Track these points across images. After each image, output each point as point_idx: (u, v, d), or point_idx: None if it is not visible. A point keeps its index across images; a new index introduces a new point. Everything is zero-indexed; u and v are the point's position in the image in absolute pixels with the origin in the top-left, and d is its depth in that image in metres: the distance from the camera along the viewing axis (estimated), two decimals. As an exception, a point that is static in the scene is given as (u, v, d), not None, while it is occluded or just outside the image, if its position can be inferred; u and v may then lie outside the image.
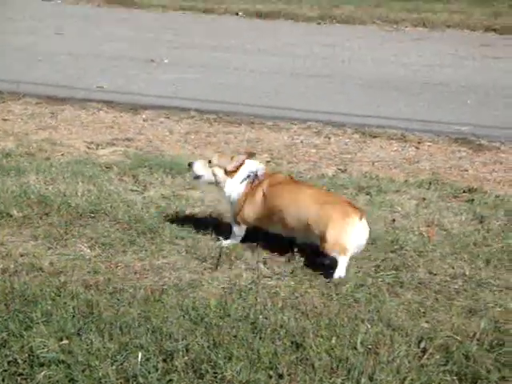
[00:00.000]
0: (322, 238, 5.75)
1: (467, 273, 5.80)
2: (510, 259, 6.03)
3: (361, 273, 5.79)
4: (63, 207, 7.01)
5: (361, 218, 5.75)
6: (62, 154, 9.08)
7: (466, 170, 8.75)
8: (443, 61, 15.02)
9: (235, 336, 4.72)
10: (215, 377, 4.29)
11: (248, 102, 11.86)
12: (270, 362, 4.45)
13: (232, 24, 20.13)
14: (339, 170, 8.71)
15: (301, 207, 5.94)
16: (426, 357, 4.55)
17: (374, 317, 5.06)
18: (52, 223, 6.71)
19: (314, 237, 5.87)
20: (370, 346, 4.65)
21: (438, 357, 4.55)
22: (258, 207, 6.21)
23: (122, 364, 4.40)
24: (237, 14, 21.07)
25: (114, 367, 4.36)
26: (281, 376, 4.32)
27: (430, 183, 8.05)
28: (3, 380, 4.33)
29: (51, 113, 11.26)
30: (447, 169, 8.80)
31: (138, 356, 4.43)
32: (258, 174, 6.30)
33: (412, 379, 4.30)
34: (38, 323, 4.82)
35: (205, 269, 5.94)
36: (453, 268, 5.91)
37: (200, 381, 4.26)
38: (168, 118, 11.09)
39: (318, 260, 5.91)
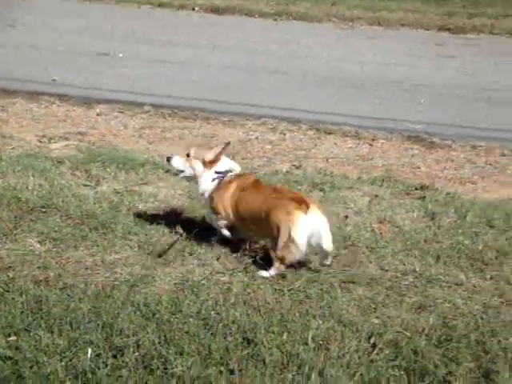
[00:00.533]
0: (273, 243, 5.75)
1: (418, 269, 5.86)
2: (460, 256, 6.11)
3: (313, 269, 5.81)
4: (13, 201, 6.92)
5: (306, 212, 5.65)
6: (13, 148, 8.94)
7: (419, 168, 8.84)
8: (398, 59, 15.14)
9: (186, 332, 4.71)
10: (165, 372, 4.28)
11: (203, 97, 11.82)
12: (221, 358, 4.45)
13: (188, 19, 20.03)
14: (293, 166, 8.74)
15: (255, 212, 5.89)
16: (375, 352, 4.59)
17: (325, 313, 5.10)
18: (1, 217, 6.61)
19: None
20: (320, 342, 4.68)
21: (387, 352, 4.59)
22: (226, 207, 6.14)
23: (71, 360, 4.36)
24: (193, 9, 20.93)
25: (62, 363, 4.32)
26: (232, 371, 4.32)
27: (383, 180, 8.12)
28: (-51, 377, 4.26)
29: (1, 106, 11.07)
30: (400, 166, 8.88)
31: (87, 352, 4.39)
32: (229, 174, 6.23)
33: (362, 374, 4.34)
34: (-15, 319, 4.75)
35: (157, 264, 5.91)
36: (404, 264, 5.97)
37: (150, 376, 4.24)
38: (122, 112, 11.00)
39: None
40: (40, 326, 4.72)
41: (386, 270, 5.87)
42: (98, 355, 4.41)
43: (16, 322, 4.73)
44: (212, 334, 4.71)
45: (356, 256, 6.04)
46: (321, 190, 7.74)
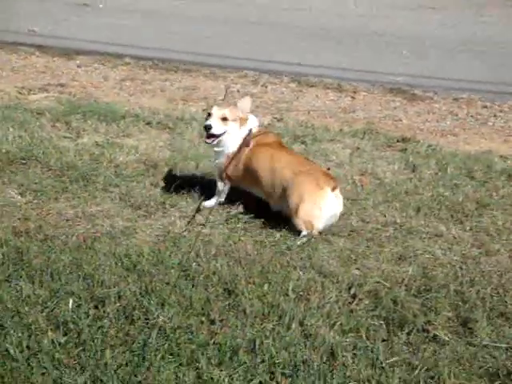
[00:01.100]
0: (293, 211, 5.61)
1: (398, 221, 5.89)
2: (440, 208, 6.14)
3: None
4: (-7, 153, 6.87)
5: (333, 190, 5.60)
6: (-8, 99, 8.86)
7: (400, 120, 8.84)
8: (379, 11, 15.04)
9: (168, 283, 4.72)
10: (147, 323, 4.30)
11: (185, 49, 11.71)
12: (202, 309, 4.47)
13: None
14: (275, 118, 8.70)
15: (276, 174, 5.78)
16: (355, 302, 4.63)
17: (306, 264, 5.11)
18: (-19, 169, 6.57)
19: (286, 206, 5.71)
20: (301, 293, 4.71)
21: (367, 302, 4.63)
22: (241, 165, 5.99)
23: (52, 310, 4.37)
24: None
25: (44, 314, 4.33)
26: (212, 322, 4.35)
27: (365, 132, 8.12)
28: None
29: (-21, 57, 10.96)
30: (381, 118, 8.87)
31: (68, 302, 4.40)
32: (252, 130, 5.97)
33: (341, 324, 4.37)
34: (-35, 271, 4.75)
35: (138, 216, 5.90)
36: (384, 216, 5.99)
37: (131, 326, 4.26)
38: (103, 64, 10.89)
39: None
40: (21, 276, 4.72)
41: (367, 222, 5.89)
42: (79, 306, 4.42)
43: (-3, 273, 4.73)
44: (193, 285, 4.73)
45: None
46: (302, 143, 7.73)
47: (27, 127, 7.70)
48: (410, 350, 4.21)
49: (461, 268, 5.16)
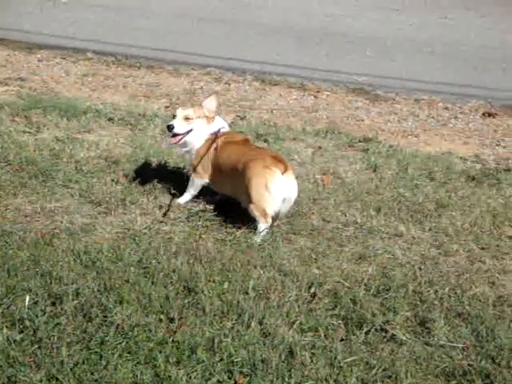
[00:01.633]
0: (246, 199, 5.63)
1: (359, 220, 5.92)
2: (400, 208, 6.18)
3: (253, 219, 5.81)
4: (-50, 147, 6.76)
5: (284, 172, 5.60)
6: (-49, 93, 8.72)
7: (362, 120, 8.88)
8: (344, 11, 15.09)
9: (127, 280, 4.69)
10: (105, 320, 4.26)
11: (148, 45, 11.63)
12: (161, 306, 4.45)
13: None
14: (238, 116, 8.69)
15: (235, 169, 5.77)
16: (315, 301, 4.64)
17: (266, 262, 5.11)
18: None
19: (242, 198, 5.73)
20: (261, 291, 4.71)
21: (326, 301, 4.65)
22: (209, 162, 6.01)
23: (8, 307, 4.31)
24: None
25: (0, 310, 4.27)
26: (171, 320, 4.33)
27: (327, 132, 8.14)
28: None
29: None
30: (344, 118, 8.90)
31: (25, 299, 4.34)
32: (220, 131, 6.07)
33: (301, 323, 4.39)
34: None
35: (98, 213, 5.86)
36: (345, 215, 6.02)
37: (89, 324, 4.22)
38: (64, 58, 10.77)
39: None
40: (-23, 273, 4.65)
41: (328, 221, 5.91)
42: (36, 303, 4.37)
43: (-48, 269, 4.65)
44: (152, 282, 4.70)
45: (298, 207, 6.06)
46: (265, 141, 7.73)
47: (-14, 121, 7.60)
48: (368, 349, 4.23)
49: (420, 268, 5.20)
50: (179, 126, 5.99)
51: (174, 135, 6.01)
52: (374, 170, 7.08)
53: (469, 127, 8.80)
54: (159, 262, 4.98)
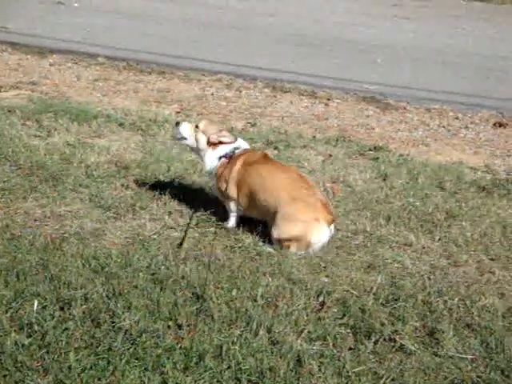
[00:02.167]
0: (284, 236, 5.44)
1: (368, 229, 5.90)
2: (410, 217, 6.16)
3: (263, 227, 5.80)
4: (-39, 150, 6.78)
5: (330, 224, 5.49)
6: (-37, 96, 8.76)
7: (373, 129, 8.87)
8: (355, 19, 15.12)
9: (135, 286, 4.68)
10: (113, 326, 4.25)
11: (160, 51, 11.68)
12: (170, 313, 4.43)
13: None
14: (249, 123, 8.70)
15: (272, 195, 5.56)
16: (323, 310, 4.62)
17: (275, 270, 5.10)
18: (-51, 166, 6.48)
19: (276, 226, 5.48)
20: (269, 299, 4.69)
21: (335, 310, 4.62)
22: (234, 184, 5.80)
23: (17, 311, 4.30)
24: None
25: (8, 314, 4.26)
26: (180, 326, 4.31)
27: (337, 140, 8.14)
28: None
29: (-50, 52, 10.83)
30: (354, 126, 8.90)
31: (33, 304, 4.34)
32: (236, 152, 5.88)
33: (309, 331, 4.36)
34: None
35: (108, 218, 5.85)
36: (355, 224, 6.00)
37: (97, 329, 4.21)
38: (76, 63, 10.81)
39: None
40: (-15, 276, 4.65)
41: (337, 230, 5.88)
42: (45, 307, 4.36)
43: (-39, 271, 4.66)
44: (161, 288, 4.69)
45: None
46: (275, 149, 7.73)
47: (-3, 124, 7.62)
48: (377, 359, 4.21)
49: (429, 278, 5.17)
50: (186, 128, 6.03)
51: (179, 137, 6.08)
52: (384, 179, 7.06)
53: (479, 137, 8.78)
54: (168, 268, 4.97)
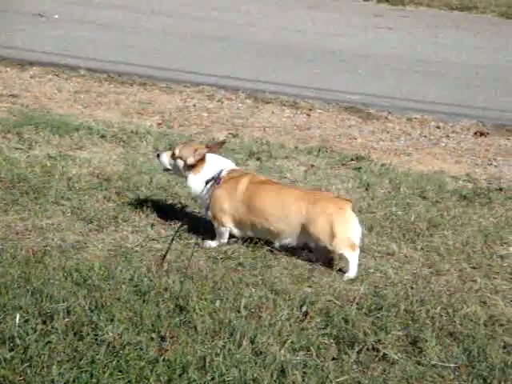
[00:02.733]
0: (327, 238, 5.44)
1: (351, 239, 5.90)
2: (392, 226, 6.18)
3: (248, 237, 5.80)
4: None
5: (353, 209, 5.55)
6: None
7: (355, 139, 8.91)
8: (337, 29, 15.18)
9: (118, 298, 4.67)
10: (96, 339, 4.23)
11: (141, 62, 11.66)
12: (153, 325, 4.42)
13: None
14: (230, 134, 8.70)
15: (290, 210, 5.54)
16: (307, 320, 4.63)
17: (258, 281, 5.11)
18: None
19: (311, 237, 5.51)
20: (253, 310, 4.69)
21: (318, 320, 4.63)
22: (234, 210, 5.69)
23: (-2, 326, 4.28)
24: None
25: (-10, 329, 4.24)
26: (163, 338, 4.31)
27: (319, 150, 8.16)
28: None
29: None
30: (336, 136, 8.92)
31: (15, 317, 4.31)
32: (222, 173, 5.75)
33: (292, 342, 4.37)
34: None
35: (90, 230, 5.84)
36: (337, 234, 6.00)
37: (80, 342, 4.19)
38: (57, 75, 10.78)
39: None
40: (-34, 291, 4.62)
41: (320, 239, 5.89)
42: (27, 321, 4.33)
43: None
44: (144, 300, 4.68)
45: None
46: (257, 159, 7.74)
47: (-23, 138, 7.59)
48: (360, 368, 4.22)
49: (411, 287, 5.20)
50: (165, 157, 5.99)
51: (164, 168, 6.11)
52: (367, 189, 7.08)
53: (461, 146, 8.83)
54: (151, 280, 4.95)
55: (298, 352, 4.30)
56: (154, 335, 4.33)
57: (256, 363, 4.14)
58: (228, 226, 5.73)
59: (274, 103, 10.10)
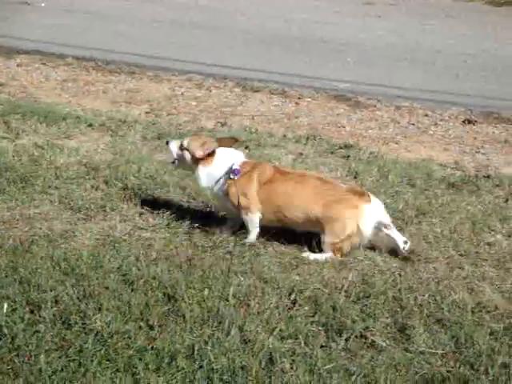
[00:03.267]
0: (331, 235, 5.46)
1: (339, 227, 5.90)
2: (380, 214, 6.17)
3: (236, 226, 5.79)
4: None
5: (370, 201, 5.52)
6: None
7: (343, 127, 8.90)
8: (326, 18, 15.15)
9: (106, 287, 4.66)
10: (84, 328, 4.23)
11: (129, 50, 11.62)
12: (141, 314, 4.42)
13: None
14: (219, 123, 8.69)
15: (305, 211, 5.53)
16: (295, 308, 4.64)
17: (246, 269, 5.11)
18: None
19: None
20: (241, 298, 4.69)
21: (306, 308, 4.64)
22: (258, 199, 5.61)
23: (-14, 315, 4.27)
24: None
25: (-23, 318, 4.23)
26: (151, 327, 4.31)
27: (308, 138, 8.16)
28: None
29: None
30: (325, 125, 8.92)
31: (3, 306, 4.30)
32: (234, 167, 5.62)
33: (281, 329, 4.37)
34: None
35: (78, 219, 5.82)
36: (326, 222, 6.00)
37: (68, 331, 4.19)
38: (44, 64, 10.73)
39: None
40: (-47, 280, 4.61)
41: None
42: (15, 310, 4.33)
43: None
44: (132, 289, 4.68)
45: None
46: (246, 148, 7.72)
47: (-36, 127, 7.55)
48: (348, 355, 4.23)
49: (400, 275, 5.20)
50: (173, 145, 5.87)
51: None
52: (355, 177, 7.09)
53: (449, 134, 8.84)
54: (139, 269, 4.95)
55: (287, 340, 4.31)
56: (142, 324, 4.33)
57: (244, 351, 4.14)
58: (257, 213, 5.65)
59: (262, 92, 10.09)
